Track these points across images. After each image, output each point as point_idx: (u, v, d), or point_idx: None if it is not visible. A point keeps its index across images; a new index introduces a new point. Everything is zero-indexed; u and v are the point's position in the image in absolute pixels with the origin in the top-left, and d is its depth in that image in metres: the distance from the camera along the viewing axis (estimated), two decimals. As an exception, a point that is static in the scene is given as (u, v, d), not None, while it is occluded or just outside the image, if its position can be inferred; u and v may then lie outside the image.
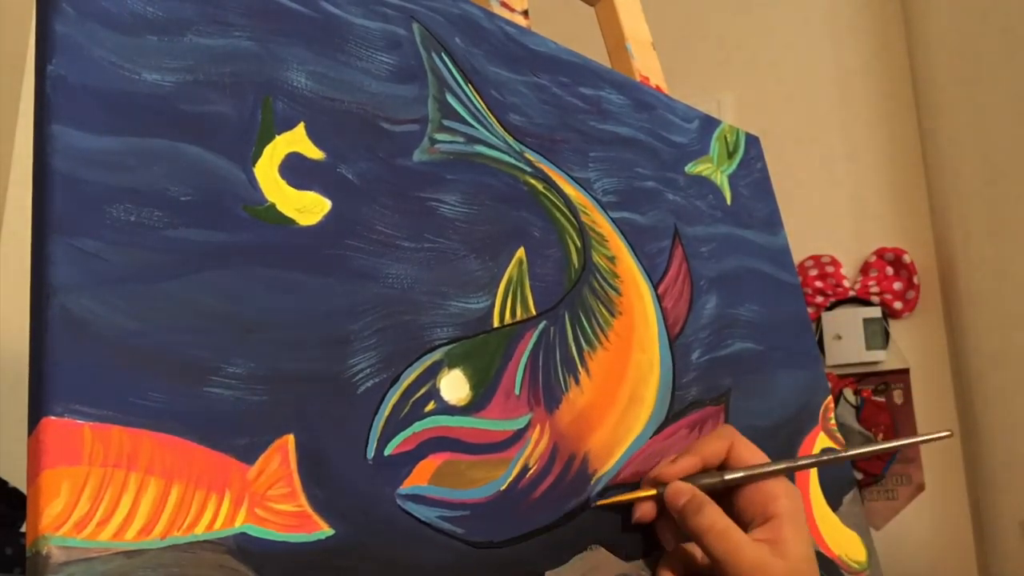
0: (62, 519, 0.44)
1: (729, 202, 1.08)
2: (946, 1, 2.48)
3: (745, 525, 0.72)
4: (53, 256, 0.48)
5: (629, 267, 0.87)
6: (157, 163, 0.54)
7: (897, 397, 2.44)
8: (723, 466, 0.76)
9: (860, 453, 0.81)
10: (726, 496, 0.75)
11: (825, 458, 0.83)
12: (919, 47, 2.65)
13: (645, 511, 0.74)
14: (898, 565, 2.34)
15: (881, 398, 2.45)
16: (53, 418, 0.45)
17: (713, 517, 0.70)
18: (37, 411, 0.45)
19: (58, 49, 0.52)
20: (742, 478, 0.74)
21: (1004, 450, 2.22)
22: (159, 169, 0.54)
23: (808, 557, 0.71)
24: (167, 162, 0.55)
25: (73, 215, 0.49)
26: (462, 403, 0.66)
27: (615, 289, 0.84)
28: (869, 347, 2.46)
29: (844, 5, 2.79)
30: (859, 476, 2.43)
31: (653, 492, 0.75)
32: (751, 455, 0.76)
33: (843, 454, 0.80)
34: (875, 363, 2.49)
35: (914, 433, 2.42)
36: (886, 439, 2.42)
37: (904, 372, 2.45)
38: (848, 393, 2.47)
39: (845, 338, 2.48)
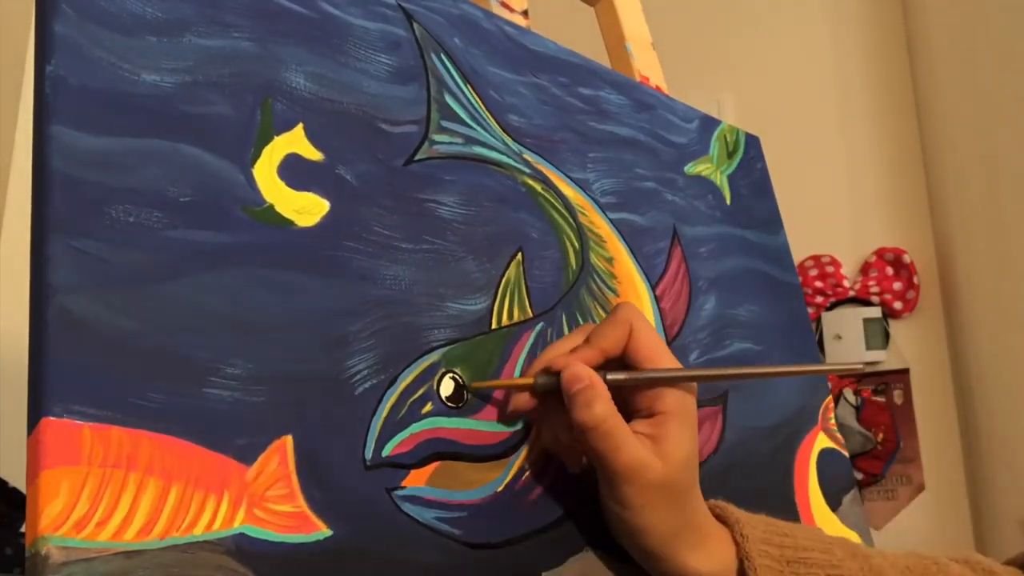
0: (61, 519, 0.44)
1: (729, 202, 1.08)
2: (946, 1, 2.48)
3: (630, 415, 0.68)
4: (52, 256, 0.48)
5: (627, 268, 0.87)
6: (156, 164, 0.54)
7: (897, 397, 2.44)
8: (622, 356, 0.70)
9: (776, 372, 0.80)
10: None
11: (732, 371, 0.78)
12: (919, 47, 2.65)
13: (521, 401, 0.69)
14: (898, 565, 2.35)
15: (881, 398, 2.45)
16: (52, 418, 0.45)
17: (603, 414, 0.65)
18: (36, 411, 0.45)
19: (57, 50, 0.52)
20: (625, 380, 0.68)
21: (1004, 450, 2.22)
22: (158, 170, 0.54)
23: (688, 459, 0.67)
24: (166, 163, 0.55)
25: (72, 215, 0.49)
26: (460, 404, 0.67)
27: (612, 290, 0.84)
28: (869, 347, 2.46)
29: (844, 6, 2.79)
30: (859, 476, 2.43)
31: (530, 381, 0.68)
32: (650, 344, 0.70)
33: (755, 370, 0.79)
34: (875, 363, 2.50)
35: (915, 435, 2.42)
36: (886, 440, 2.43)
37: (904, 372, 2.45)
38: (848, 393, 2.48)
39: (845, 338, 2.48)
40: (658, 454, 0.66)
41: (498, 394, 0.70)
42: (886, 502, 2.39)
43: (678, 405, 0.67)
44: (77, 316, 0.48)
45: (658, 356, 0.69)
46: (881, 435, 2.42)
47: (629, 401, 0.69)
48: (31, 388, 0.46)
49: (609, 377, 0.67)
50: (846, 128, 2.68)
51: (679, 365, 0.70)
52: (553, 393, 0.68)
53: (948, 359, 2.45)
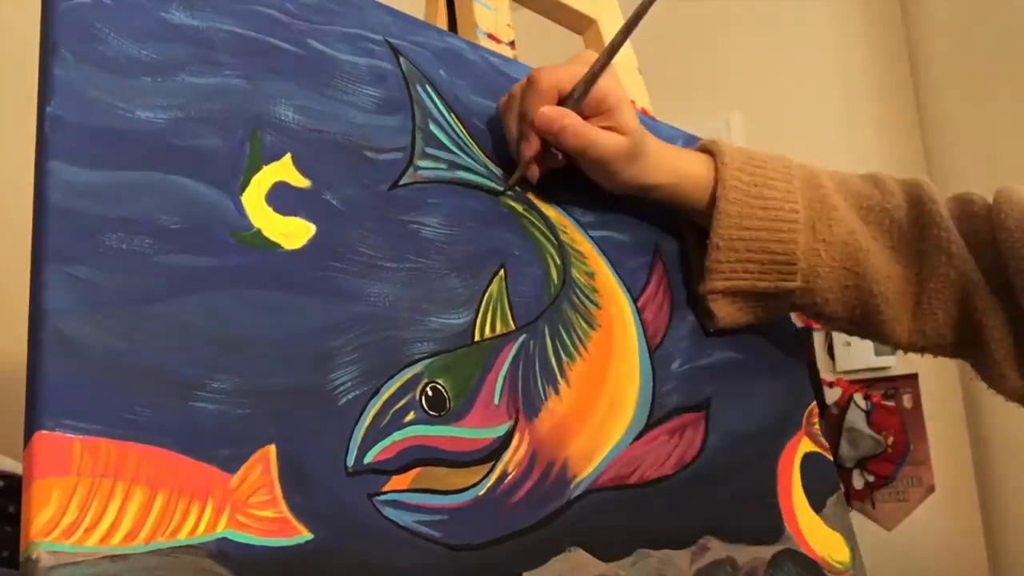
0: (51, 526, 0.47)
1: None
2: (949, 17, 2.49)
3: (589, 121, 0.85)
4: (48, 282, 0.52)
5: (609, 282, 0.89)
6: (149, 194, 0.58)
7: (907, 401, 2.44)
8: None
9: None
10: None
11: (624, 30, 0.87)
12: (922, 63, 2.66)
13: (531, 148, 0.84)
14: (910, 566, 2.35)
15: (891, 403, 2.45)
16: (45, 432, 0.48)
17: (586, 134, 0.83)
18: (31, 426, 0.49)
19: (56, 92, 0.56)
20: (584, 89, 0.84)
21: (1012, 451, 2.22)
22: (150, 200, 0.58)
23: (637, 126, 0.86)
24: (158, 193, 0.58)
25: (68, 244, 0.53)
26: (442, 413, 0.69)
27: (594, 303, 0.87)
28: (878, 353, 2.45)
29: (848, 24, 2.79)
30: (870, 479, 2.44)
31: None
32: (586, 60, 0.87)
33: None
34: (885, 368, 2.49)
35: (924, 438, 2.42)
36: (897, 443, 2.43)
37: (913, 377, 2.45)
38: (859, 398, 2.47)
39: (855, 344, 2.47)
40: (620, 132, 0.85)
41: (479, 404, 0.72)
42: (897, 503, 2.39)
43: (614, 99, 0.85)
44: (70, 337, 0.51)
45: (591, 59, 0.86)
46: (891, 438, 2.41)
47: (584, 113, 0.85)
48: (27, 404, 0.49)
49: (575, 94, 0.84)
50: (852, 142, 2.68)
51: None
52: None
53: (956, 364, 2.44)
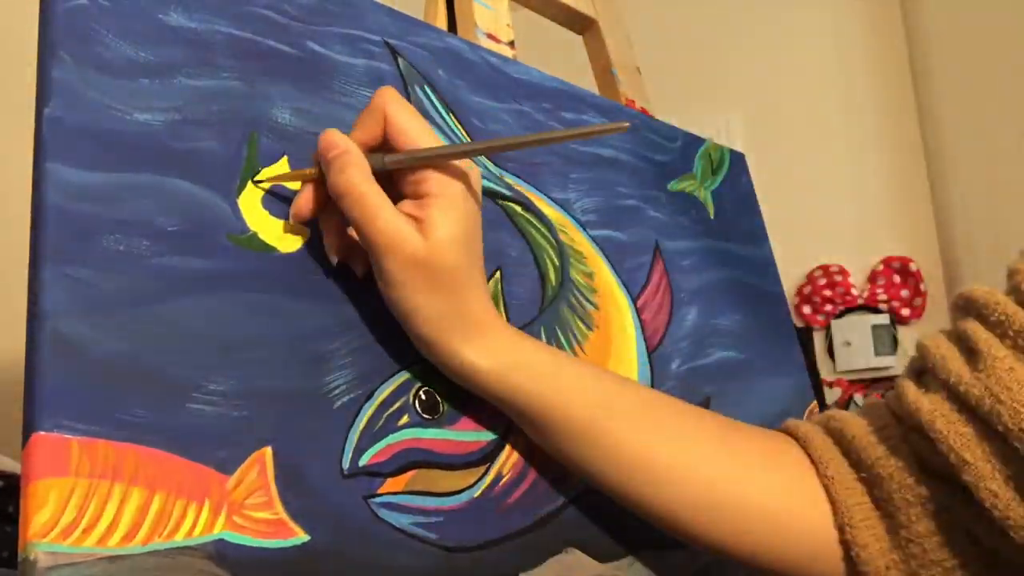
0: (49, 527, 0.47)
1: (712, 216, 1.10)
2: (949, 16, 2.49)
3: (397, 198, 0.66)
4: (46, 283, 0.52)
5: (607, 282, 0.89)
6: (146, 196, 0.58)
7: (906, 402, 2.44)
8: (385, 142, 0.67)
9: (533, 140, 0.71)
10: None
11: (496, 143, 0.71)
12: (922, 63, 2.66)
13: (301, 206, 0.66)
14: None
15: (891, 402, 2.45)
16: (43, 433, 0.48)
17: (356, 179, 0.63)
18: (29, 426, 0.49)
19: (55, 93, 0.56)
20: (403, 160, 0.66)
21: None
22: (147, 202, 0.58)
23: (453, 241, 0.65)
24: (155, 195, 0.58)
25: (66, 245, 0.53)
26: (436, 416, 0.70)
27: (592, 304, 0.87)
28: (878, 353, 2.46)
29: (848, 23, 2.79)
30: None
31: (314, 170, 0.67)
32: (409, 128, 0.66)
33: (512, 140, 0.69)
34: (884, 368, 2.49)
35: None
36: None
37: (913, 376, 2.45)
38: (859, 398, 2.48)
39: (854, 345, 2.48)
40: (420, 231, 0.64)
41: (473, 407, 0.72)
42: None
43: (442, 187, 0.65)
44: (68, 338, 0.51)
45: (419, 138, 0.66)
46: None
47: (399, 188, 0.67)
48: (25, 405, 0.49)
49: (387, 159, 0.66)
50: (852, 142, 2.69)
51: (441, 144, 0.67)
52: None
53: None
